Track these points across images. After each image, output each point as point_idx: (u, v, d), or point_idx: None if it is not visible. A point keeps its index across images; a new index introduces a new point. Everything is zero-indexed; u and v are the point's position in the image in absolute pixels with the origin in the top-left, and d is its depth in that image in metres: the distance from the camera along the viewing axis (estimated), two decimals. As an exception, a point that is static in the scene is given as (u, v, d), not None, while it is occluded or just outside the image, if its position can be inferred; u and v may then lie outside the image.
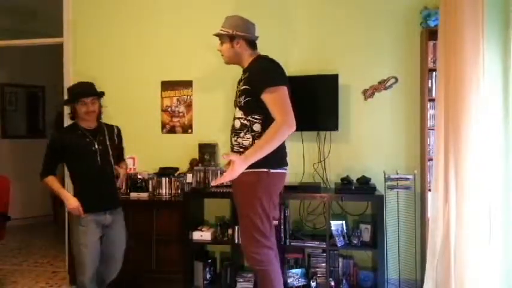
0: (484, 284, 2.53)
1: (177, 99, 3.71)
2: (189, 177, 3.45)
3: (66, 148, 2.61)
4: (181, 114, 3.71)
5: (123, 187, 2.91)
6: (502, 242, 2.67)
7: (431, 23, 3.10)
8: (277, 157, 2.30)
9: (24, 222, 5.55)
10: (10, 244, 4.65)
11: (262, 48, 3.39)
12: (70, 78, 3.88)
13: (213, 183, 2.39)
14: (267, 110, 2.22)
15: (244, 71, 2.40)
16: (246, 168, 2.16)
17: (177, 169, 3.57)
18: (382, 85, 3.38)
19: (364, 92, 3.40)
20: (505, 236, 2.68)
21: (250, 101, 2.27)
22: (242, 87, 2.32)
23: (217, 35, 2.44)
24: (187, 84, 3.69)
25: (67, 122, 3.89)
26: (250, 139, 2.29)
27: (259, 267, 2.27)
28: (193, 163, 3.53)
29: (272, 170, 2.27)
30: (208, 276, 3.35)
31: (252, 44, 2.44)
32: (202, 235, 3.27)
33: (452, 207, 2.58)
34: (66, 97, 2.66)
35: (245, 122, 2.30)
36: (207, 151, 3.49)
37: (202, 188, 3.39)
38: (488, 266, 2.54)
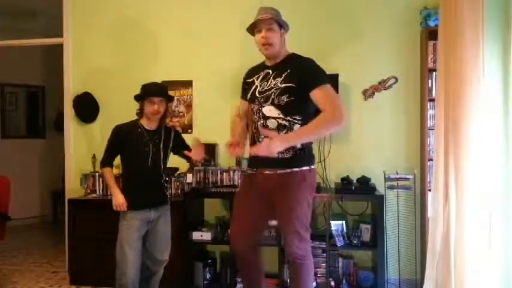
0: (484, 284, 2.53)
1: (177, 99, 3.70)
2: (189, 177, 3.45)
3: (124, 143, 2.67)
4: (181, 114, 3.71)
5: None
6: (502, 242, 2.67)
7: (431, 23, 3.10)
8: (312, 153, 2.34)
9: (24, 222, 5.54)
10: (10, 244, 4.64)
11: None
12: (70, 78, 3.89)
13: (252, 151, 2.20)
14: (307, 110, 2.21)
15: (279, 67, 2.27)
16: (290, 168, 2.20)
17: (177, 169, 3.56)
18: (382, 85, 3.38)
19: (364, 92, 3.40)
20: (505, 236, 2.68)
21: (293, 100, 2.19)
22: (284, 85, 2.20)
23: (274, 20, 2.22)
24: (187, 84, 3.70)
25: (67, 121, 3.91)
26: None
27: (300, 261, 2.28)
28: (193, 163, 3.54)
29: (312, 167, 2.30)
30: (208, 276, 3.35)
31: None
32: (202, 235, 3.27)
33: (452, 207, 2.58)
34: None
35: (283, 122, 2.21)
36: (207, 151, 3.48)
37: (202, 188, 3.39)
38: (488, 266, 2.54)
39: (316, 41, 3.47)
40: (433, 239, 2.71)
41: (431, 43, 3.12)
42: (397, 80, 3.36)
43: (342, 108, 2.13)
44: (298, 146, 2.22)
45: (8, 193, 3.48)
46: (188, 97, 3.69)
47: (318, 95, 2.16)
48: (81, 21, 3.87)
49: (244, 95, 2.42)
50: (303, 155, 2.26)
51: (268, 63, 2.34)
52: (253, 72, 2.41)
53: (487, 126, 2.57)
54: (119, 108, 3.59)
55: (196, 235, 3.27)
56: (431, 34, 3.08)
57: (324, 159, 3.39)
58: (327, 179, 3.38)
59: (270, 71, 2.29)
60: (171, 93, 3.68)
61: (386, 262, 3.13)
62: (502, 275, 2.67)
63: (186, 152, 2.68)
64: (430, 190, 2.97)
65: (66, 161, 3.92)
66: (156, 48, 3.74)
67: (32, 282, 3.62)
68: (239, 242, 2.40)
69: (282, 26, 2.27)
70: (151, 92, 2.66)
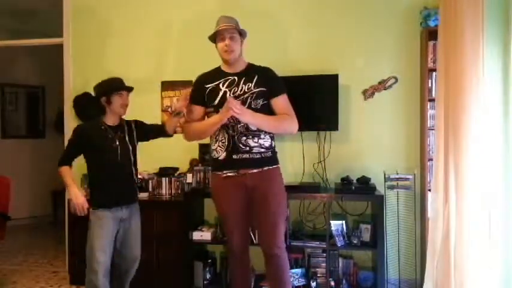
0: (484, 284, 2.53)
1: (177, 99, 3.70)
2: (189, 177, 3.45)
3: (89, 142, 2.61)
4: (181, 114, 3.70)
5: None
6: (501, 241, 2.67)
7: (431, 23, 3.10)
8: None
9: (24, 222, 5.55)
10: (10, 244, 4.65)
11: (263, 48, 3.40)
12: (70, 78, 3.89)
13: (231, 102, 2.22)
14: (273, 113, 2.41)
15: (247, 73, 2.43)
16: (271, 165, 2.41)
17: (177, 169, 3.57)
18: (382, 85, 3.38)
19: (364, 92, 3.40)
20: (504, 236, 2.68)
21: (266, 104, 2.39)
22: (258, 89, 2.37)
23: (235, 29, 2.40)
24: (187, 84, 3.69)
25: (67, 121, 3.91)
26: (270, 140, 2.42)
27: (282, 254, 2.42)
28: (193, 163, 3.54)
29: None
30: (208, 276, 3.35)
31: None
32: (202, 235, 3.27)
33: (452, 207, 2.58)
34: (93, 92, 2.73)
35: None
36: (207, 151, 3.48)
37: (202, 188, 3.39)
38: (488, 266, 2.54)
39: (316, 41, 3.47)
40: (433, 239, 2.72)
41: (431, 43, 3.11)
42: (397, 80, 3.36)
43: (296, 120, 2.42)
44: (273, 144, 2.45)
45: (8, 193, 3.48)
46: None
47: (281, 102, 2.41)
48: (81, 21, 3.87)
49: (201, 101, 2.49)
50: (276, 154, 2.49)
51: (229, 70, 2.45)
52: (211, 78, 2.48)
53: (487, 126, 2.57)
54: (119, 108, 3.58)
55: (196, 235, 3.27)
56: (431, 34, 3.08)
57: (324, 159, 3.39)
58: (326, 179, 3.38)
59: (236, 78, 2.41)
60: (171, 93, 3.73)
61: (387, 262, 3.13)
62: (502, 275, 2.68)
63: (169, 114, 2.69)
64: (430, 190, 2.97)
65: (66, 161, 3.91)
66: (156, 48, 3.74)
67: (32, 282, 3.62)
68: (238, 243, 2.51)
69: (242, 34, 2.43)
70: (120, 85, 2.67)
